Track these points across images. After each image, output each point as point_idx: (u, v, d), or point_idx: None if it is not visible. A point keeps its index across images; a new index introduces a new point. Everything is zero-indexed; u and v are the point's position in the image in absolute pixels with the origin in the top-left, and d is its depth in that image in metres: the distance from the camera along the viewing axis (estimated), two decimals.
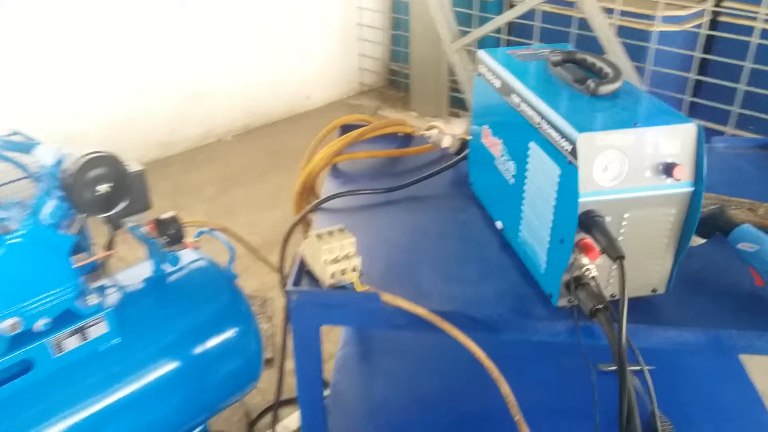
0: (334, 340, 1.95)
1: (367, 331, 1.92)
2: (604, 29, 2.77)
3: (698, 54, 3.18)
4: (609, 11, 3.13)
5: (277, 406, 1.48)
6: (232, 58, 4.02)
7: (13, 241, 1.23)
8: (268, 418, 2.08)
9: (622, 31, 3.17)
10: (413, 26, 4.32)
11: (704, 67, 3.29)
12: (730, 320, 1.09)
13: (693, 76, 3.19)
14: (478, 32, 3.36)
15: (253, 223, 2.12)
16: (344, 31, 4.64)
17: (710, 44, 3.27)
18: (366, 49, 4.75)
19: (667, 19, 3.20)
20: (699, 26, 3.22)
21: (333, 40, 4.61)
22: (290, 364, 1.48)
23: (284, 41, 4.28)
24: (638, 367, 1.72)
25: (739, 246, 1.13)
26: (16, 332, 1.28)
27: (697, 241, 1.21)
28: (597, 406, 1.02)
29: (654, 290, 1.11)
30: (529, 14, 3.44)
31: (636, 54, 3.09)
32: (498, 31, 3.67)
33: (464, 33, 3.43)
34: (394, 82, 4.91)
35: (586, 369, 1.06)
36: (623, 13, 3.22)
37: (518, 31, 3.82)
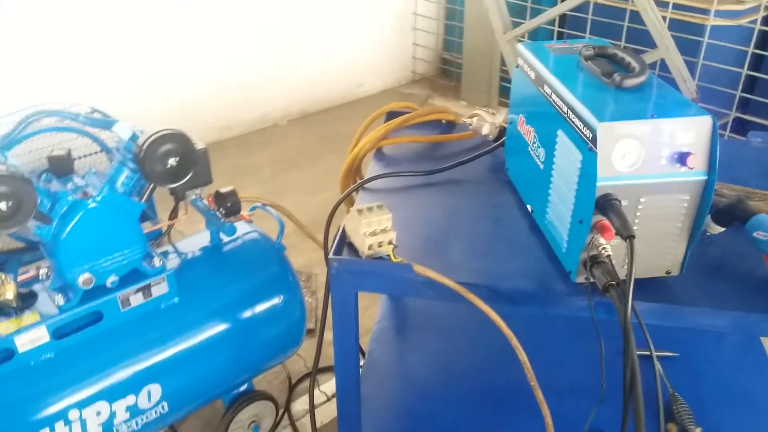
0: (372, 315, 2.06)
1: (401, 308, 2.03)
2: (655, 23, 2.78)
3: (752, 49, 3.15)
4: (663, 5, 3.13)
5: (315, 371, 1.60)
6: (290, 45, 4.17)
7: (92, 205, 1.39)
8: (307, 383, 2.22)
9: (676, 25, 3.16)
10: (468, 17, 4.38)
11: (758, 63, 3.25)
12: (741, 303, 1.15)
13: (746, 71, 3.16)
14: (530, 24, 3.40)
15: (302, 203, 2.24)
16: (399, 21, 4.74)
17: (765, 40, 3.22)
18: (419, 39, 4.83)
19: (722, 14, 3.17)
20: (755, 21, 3.19)
21: (387, 29, 4.71)
22: (330, 335, 1.60)
23: (340, 30, 4.40)
24: (666, 353, 1.79)
25: (755, 234, 1.19)
26: (90, 287, 1.45)
27: (716, 229, 1.28)
28: (605, 377, 1.10)
29: (668, 272, 1.18)
30: (583, 7, 3.46)
31: (689, 48, 3.08)
32: (551, 23, 3.70)
33: (517, 24, 3.48)
34: (446, 72, 4.98)
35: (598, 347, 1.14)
36: (677, 7, 3.20)
37: (571, 23, 3.83)
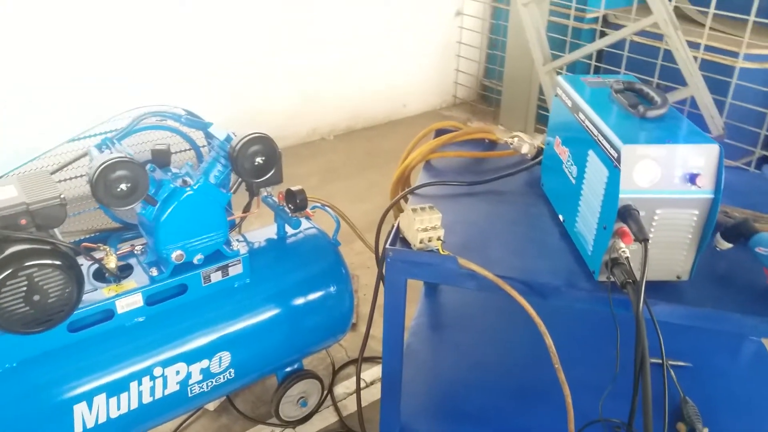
0: (409, 314, 2.27)
1: (437, 307, 2.25)
2: (686, 62, 2.98)
3: None
4: (695, 46, 3.33)
5: (363, 350, 1.81)
6: (341, 65, 4.45)
7: (189, 192, 1.65)
8: (349, 370, 2.45)
9: (707, 65, 3.35)
10: (510, 47, 4.63)
11: None
12: (741, 307, 1.34)
13: None
14: (568, 57, 3.63)
15: (347, 212, 2.45)
16: (444, 48, 5.01)
17: None
18: (462, 65, 5.10)
19: (751, 57, 3.36)
20: None
21: (433, 54, 4.98)
22: (372, 331, 1.80)
23: (388, 53, 4.68)
24: (679, 363, 1.96)
25: (757, 249, 1.39)
26: (180, 262, 1.70)
27: (725, 245, 1.48)
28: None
29: (678, 277, 1.38)
30: (619, 44, 3.68)
31: (718, 87, 3.27)
32: (588, 57, 3.92)
33: (556, 57, 3.70)
34: (485, 97, 5.22)
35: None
36: (709, 48, 3.40)
37: (608, 58, 4.05)
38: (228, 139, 1.67)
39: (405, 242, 1.52)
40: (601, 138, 1.37)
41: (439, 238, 1.49)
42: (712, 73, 3.32)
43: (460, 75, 5.15)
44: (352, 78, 4.55)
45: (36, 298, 1.39)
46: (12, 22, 3.11)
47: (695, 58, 3.14)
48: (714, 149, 1.27)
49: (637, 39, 3.75)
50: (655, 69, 3.60)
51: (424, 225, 1.48)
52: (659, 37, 3.37)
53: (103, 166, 1.47)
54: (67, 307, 1.46)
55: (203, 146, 1.92)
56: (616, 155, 1.29)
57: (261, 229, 2.05)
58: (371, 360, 2.47)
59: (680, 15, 3.72)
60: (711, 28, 3.37)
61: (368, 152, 4.37)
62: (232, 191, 1.73)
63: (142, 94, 3.35)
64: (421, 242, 1.48)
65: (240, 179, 1.76)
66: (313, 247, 2.05)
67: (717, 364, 2.02)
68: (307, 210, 1.94)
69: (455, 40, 5.00)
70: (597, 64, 4.10)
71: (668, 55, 3.23)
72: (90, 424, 1.61)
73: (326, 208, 2.10)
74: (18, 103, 3.21)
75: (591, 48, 3.51)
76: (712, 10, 3.24)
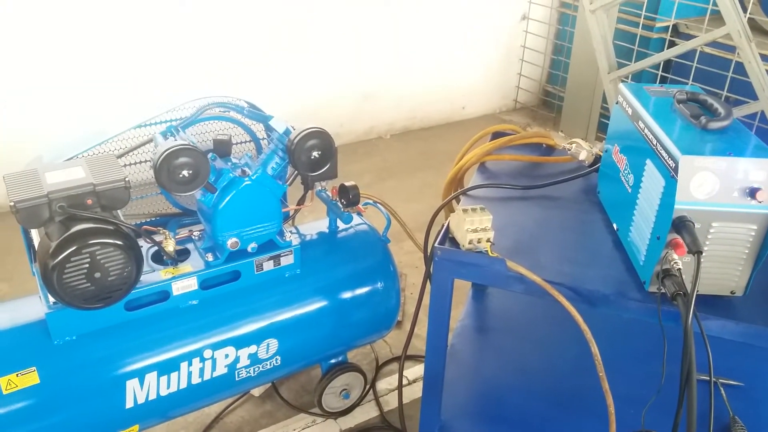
0: (455, 317, 2.28)
1: (482, 310, 2.25)
2: (759, 75, 2.87)
3: None
4: None
5: (407, 346, 1.83)
6: (402, 66, 4.47)
7: (247, 182, 1.70)
8: (391, 366, 2.47)
9: None
10: (575, 53, 4.55)
11: None
12: None
13: None
14: (634, 66, 3.54)
15: (399, 211, 2.46)
16: (507, 51, 4.97)
17: None
18: (525, 70, 5.04)
19: None
20: None
21: (495, 57, 4.95)
22: (416, 330, 1.81)
23: (450, 54, 4.68)
24: (731, 382, 1.91)
25: None
26: (235, 249, 1.75)
27: None
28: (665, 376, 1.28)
29: (733, 292, 1.35)
30: (689, 54, 3.57)
31: None
32: (655, 66, 3.82)
33: (622, 66, 3.63)
34: (547, 103, 5.16)
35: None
36: None
37: (676, 69, 3.93)
38: (287, 132, 1.72)
39: (454, 242, 1.53)
40: (659, 147, 1.35)
41: (488, 240, 1.49)
42: None
43: (523, 79, 5.09)
44: (412, 78, 4.57)
45: (97, 275, 1.47)
46: (92, 12, 3.26)
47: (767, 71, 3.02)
48: None
49: (708, 50, 3.64)
50: (726, 82, 3.48)
51: (474, 226, 1.49)
52: (731, 48, 3.26)
53: (167, 153, 1.53)
54: (125, 285, 1.53)
55: (263, 138, 1.97)
56: (673, 165, 1.27)
57: (314, 222, 2.09)
58: (414, 358, 2.49)
59: (755, 27, 3.60)
60: None
61: (423, 153, 4.38)
62: (288, 183, 1.78)
63: (209, 88, 3.47)
64: (470, 243, 1.49)
65: (296, 172, 1.80)
66: (362, 242, 2.08)
67: None
68: (359, 206, 1.97)
69: (519, 44, 4.95)
70: (664, 74, 4.00)
71: (740, 68, 3.12)
72: (141, 400, 1.68)
73: (378, 205, 2.13)
74: (90, 91, 3.36)
75: (659, 57, 3.41)
76: None
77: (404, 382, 2.39)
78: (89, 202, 1.47)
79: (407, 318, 2.71)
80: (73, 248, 1.42)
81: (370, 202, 2.13)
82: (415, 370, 2.45)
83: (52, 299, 1.54)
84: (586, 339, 1.39)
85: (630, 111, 1.56)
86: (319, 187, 2.00)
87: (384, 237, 2.11)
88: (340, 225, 2.07)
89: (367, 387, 2.28)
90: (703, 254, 1.27)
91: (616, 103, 1.66)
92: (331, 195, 2.00)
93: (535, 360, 2.01)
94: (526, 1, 4.80)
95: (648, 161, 1.40)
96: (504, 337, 2.12)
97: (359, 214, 2.08)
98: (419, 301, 1.81)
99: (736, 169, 1.24)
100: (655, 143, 1.37)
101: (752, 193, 1.24)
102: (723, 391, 1.84)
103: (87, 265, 1.45)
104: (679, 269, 1.29)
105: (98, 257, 1.46)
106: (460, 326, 2.17)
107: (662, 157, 1.33)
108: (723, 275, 1.33)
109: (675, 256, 1.30)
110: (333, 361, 2.12)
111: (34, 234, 1.61)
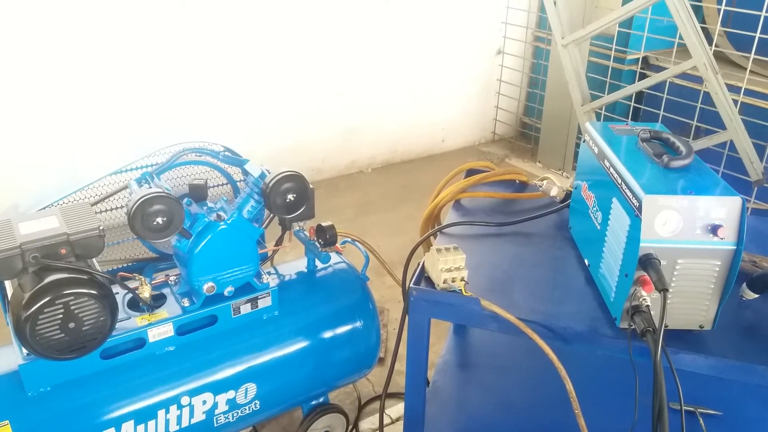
0: (437, 351, 2.28)
1: (463, 346, 2.26)
2: (725, 106, 2.95)
3: None
4: (736, 89, 3.29)
5: (386, 388, 1.83)
6: (382, 100, 4.54)
7: (223, 227, 1.71)
8: (375, 405, 2.45)
9: (747, 109, 3.31)
10: (549, 86, 4.64)
11: None
12: (763, 357, 1.32)
13: None
14: (607, 98, 3.61)
15: (381, 245, 2.47)
16: (484, 85, 5.06)
17: None
18: (502, 103, 5.13)
19: None
20: None
21: (473, 91, 5.04)
22: (398, 366, 1.81)
23: (429, 89, 4.75)
24: (710, 411, 1.92)
25: None
26: (212, 294, 1.76)
27: (751, 295, 1.46)
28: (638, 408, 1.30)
29: (701, 326, 1.37)
30: (660, 86, 3.66)
31: (759, 132, 3.22)
32: (628, 98, 3.90)
33: (596, 97, 3.70)
34: (524, 135, 5.24)
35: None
36: (749, 93, 3.36)
37: (648, 100, 4.03)
38: (262, 176, 1.74)
39: (429, 282, 1.55)
40: (624, 186, 1.38)
41: (462, 279, 1.51)
42: (752, 117, 3.27)
43: (500, 112, 5.18)
44: (393, 113, 4.63)
45: (71, 325, 1.46)
46: (67, 62, 3.28)
47: (735, 102, 3.10)
48: (736, 202, 1.27)
49: (677, 81, 3.73)
50: (695, 112, 3.56)
51: (448, 265, 1.50)
52: (699, 80, 3.34)
53: (140, 201, 1.54)
54: (100, 335, 1.52)
55: (240, 180, 1.99)
56: (637, 204, 1.30)
57: (292, 263, 2.10)
58: (397, 396, 2.48)
59: (722, 58, 3.69)
60: (752, 72, 3.33)
61: (405, 186, 4.42)
62: (265, 225, 1.79)
63: (189, 129, 3.49)
64: (444, 282, 1.50)
65: (272, 214, 1.82)
66: (341, 281, 2.08)
67: (749, 414, 1.97)
68: (337, 245, 1.98)
69: (496, 77, 5.04)
70: (637, 105, 4.08)
71: (708, 98, 3.19)
72: None
73: (356, 243, 2.14)
74: (66, 139, 3.37)
75: (630, 90, 3.49)
76: (752, 54, 3.21)
77: (387, 420, 2.37)
78: (63, 251, 1.48)
79: (390, 354, 2.71)
80: (47, 299, 1.42)
81: (349, 240, 2.15)
82: (398, 408, 2.44)
83: (25, 350, 1.53)
84: (560, 377, 1.41)
85: (596, 150, 1.60)
86: (297, 227, 2.01)
87: (363, 275, 2.12)
88: (319, 264, 2.08)
89: (350, 428, 2.27)
90: (671, 290, 1.29)
91: (583, 141, 1.70)
92: (308, 235, 2.01)
93: (516, 395, 2.02)
94: (501, 36, 4.91)
95: (614, 199, 1.43)
96: (486, 372, 2.13)
97: (338, 252, 2.09)
98: (398, 338, 1.80)
99: (697, 207, 1.27)
100: (620, 182, 1.41)
101: (714, 230, 1.27)
102: (701, 421, 1.85)
103: (61, 316, 1.45)
104: (647, 306, 1.32)
105: (72, 307, 1.45)
106: (442, 362, 2.17)
107: (627, 195, 1.36)
108: (691, 310, 1.35)
109: (643, 293, 1.32)
110: (314, 402, 2.11)
111: (8, 285, 1.60)
